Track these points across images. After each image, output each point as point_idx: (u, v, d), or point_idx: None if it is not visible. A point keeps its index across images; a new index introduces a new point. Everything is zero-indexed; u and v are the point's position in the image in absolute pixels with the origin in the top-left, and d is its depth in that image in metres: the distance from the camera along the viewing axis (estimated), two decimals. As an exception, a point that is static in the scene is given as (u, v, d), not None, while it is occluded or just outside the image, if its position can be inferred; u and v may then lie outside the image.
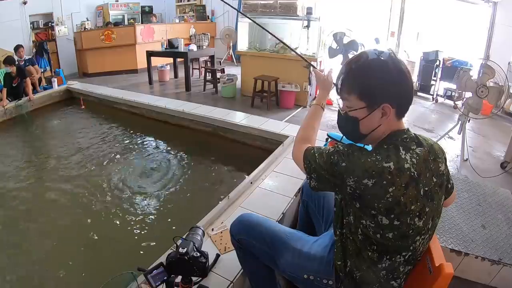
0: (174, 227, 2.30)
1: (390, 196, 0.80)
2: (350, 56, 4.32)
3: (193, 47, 5.74)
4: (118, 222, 2.37)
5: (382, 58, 0.85)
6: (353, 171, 0.83)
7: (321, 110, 1.20)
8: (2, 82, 4.51)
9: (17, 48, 5.22)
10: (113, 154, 3.49)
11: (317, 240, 1.15)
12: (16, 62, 4.91)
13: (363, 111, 0.88)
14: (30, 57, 5.63)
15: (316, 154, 0.94)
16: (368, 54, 0.87)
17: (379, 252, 0.89)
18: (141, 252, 2.06)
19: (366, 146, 0.92)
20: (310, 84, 4.66)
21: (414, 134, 0.90)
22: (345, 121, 0.93)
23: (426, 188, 0.85)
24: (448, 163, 2.89)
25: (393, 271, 0.90)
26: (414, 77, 5.90)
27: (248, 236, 1.21)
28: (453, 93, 5.00)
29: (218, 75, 5.45)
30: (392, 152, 0.83)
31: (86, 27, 6.93)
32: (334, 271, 1.00)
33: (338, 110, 0.97)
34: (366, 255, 0.90)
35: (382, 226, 0.84)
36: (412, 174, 0.82)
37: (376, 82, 0.85)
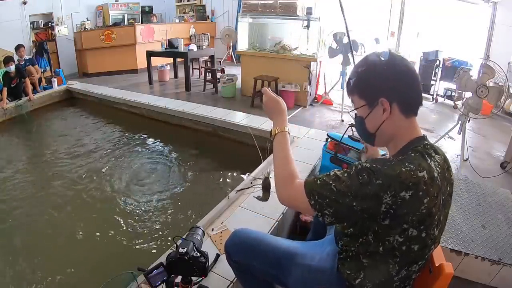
0: (174, 227, 2.30)
1: (424, 208, 0.77)
2: (350, 56, 4.33)
3: (193, 47, 5.73)
4: (118, 222, 2.37)
5: (379, 57, 0.88)
6: (389, 186, 0.76)
7: (287, 135, 1.04)
8: (2, 82, 4.52)
9: (18, 47, 5.23)
10: (113, 154, 3.50)
11: (324, 249, 1.09)
12: (16, 62, 4.93)
13: (364, 109, 0.90)
14: (30, 57, 5.63)
15: (330, 182, 0.81)
16: (368, 57, 0.91)
17: (400, 264, 0.86)
18: (141, 252, 2.06)
19: (381, 151, 0.91)
20: (310, 84, 4.66)
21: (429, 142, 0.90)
22: (356, 121, 0.96)
23: (443, 197, 0.85)
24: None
25: (405, 280, 0.89)
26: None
27: (246, 258, 1.14)
28: (453, 93, 4.99)
29: (218, 75, 5.45)
30: (421, 160, 0.81)
31: (86, 27, 6.92)
32: (346, 280, 0.97)
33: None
34: (386, 268, 0.87)
35: (409, 238, 0.81)
36: (439, 183, 0.80)
37: (372, 80, 0.88)
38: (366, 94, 0.90)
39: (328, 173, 0.85)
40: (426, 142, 0.88)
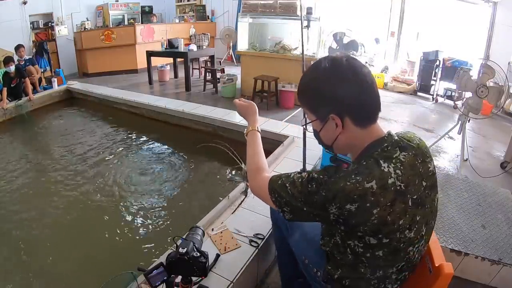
0: (174, 227, 2.30)
1: (375, 218, 0.75)
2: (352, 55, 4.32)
3: (193, 47, 5.73)
4: (118, 222, 2.37)
5: (323, 66, 0.82)
6: (333, 198, 0.76)
7: (258, 134, 1.13)
8: (2, 82, 4.51)
9: (18, 47, 5.23)
10: (113, 155, 3.50)
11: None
12: (16, 62, 4.93)
13: (317, 123, 0.87)
14: (30, 57, 5.63)
15: (287, 184, 0.85)
16: (313, 66, 0.85)
17: (372, 268, 0.86)
18: (141, 252, 2.06)
19: (344, 157, 0.91)
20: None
21: (398, 137, 0.84)
22: (313, 132, 0.92)
23: (415, 197, 0.80)
24: (448, 163, 2.88)
25: (385, 280, 0.88)
26: (414, 77, 5.90)
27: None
28: (453, 93, 4.99)
29: (218, 75, 5.45)
30: (373, 168, 0.77)
31: (86, 27, 6.92)
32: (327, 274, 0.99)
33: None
34: (359, 270, 0.87)
35: (370, 246, 0.80)
36: (398, 188, 0.77)
37: (319, 94, 0.83)
38: (315, 109, 0.86)
39: (290, 174, 0.88)
40: (386, 143, 0.81)
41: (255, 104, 1.20)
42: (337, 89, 0.80)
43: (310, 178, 0.81)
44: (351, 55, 0.85)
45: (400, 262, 0.86)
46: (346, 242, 0.85)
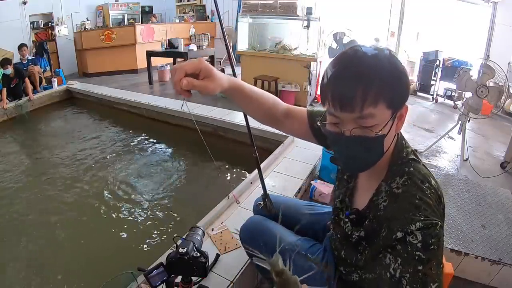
0: (174, 227, 2.30)
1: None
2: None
3: (193, 47, 5.73)
4: (118, 222, 2.37)
5: (388, 53, 0.68)
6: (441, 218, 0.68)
7: None
8: (1, 83, 4.51)
9: (20, 46, 5.21)
10: (113, 154, 3.49)
11: (319, 250, 1.05)
12: (19, 61, 4.92)
13: (389, 123, 0.67)
14: (33, 57, 5.61)
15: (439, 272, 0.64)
16: (374, 53, 0.66)
17: None
18: (141, 252, 2.06)
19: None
20: (310, 84, 4.66)
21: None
22: (366, 146, 0.68)
23: None
24: (448, 163, 2.88)
25: None
26: (414, 77, 5.90)
27: (253, 246, 1.08)
28: (453, 93, 4.99)
29: (218, 75, 5.44)
30: (420, 167, 0.72)
31: (86, 27, 6.93)
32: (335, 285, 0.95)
33: (338, 135, 0.69)
34: None
35: None
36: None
37: (402, 80, 0.67)
38: (397, 101, 0.67)
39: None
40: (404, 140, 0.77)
41: None
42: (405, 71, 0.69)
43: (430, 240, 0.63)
44: None
45: None
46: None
